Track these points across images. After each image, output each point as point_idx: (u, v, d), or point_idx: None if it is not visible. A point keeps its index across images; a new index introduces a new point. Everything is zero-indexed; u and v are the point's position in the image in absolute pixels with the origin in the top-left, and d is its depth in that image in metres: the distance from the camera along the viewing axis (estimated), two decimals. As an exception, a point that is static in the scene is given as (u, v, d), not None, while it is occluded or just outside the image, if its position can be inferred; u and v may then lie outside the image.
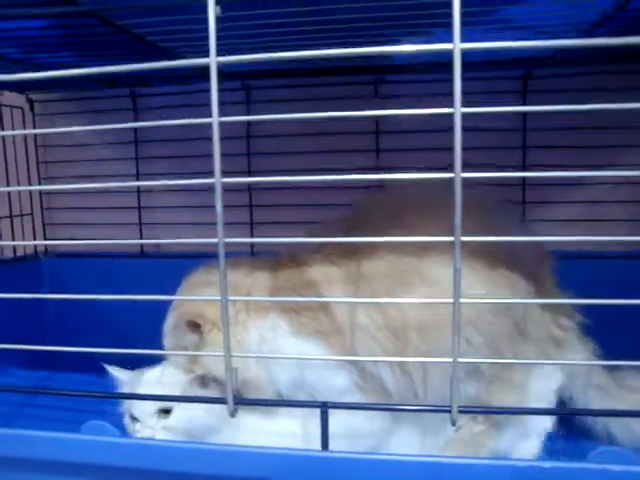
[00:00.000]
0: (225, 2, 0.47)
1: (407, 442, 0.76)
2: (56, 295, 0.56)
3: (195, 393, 0.74)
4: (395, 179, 0.47)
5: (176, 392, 0.73)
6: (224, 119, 0.47)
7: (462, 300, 0.47)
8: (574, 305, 0.77)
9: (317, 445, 0.73)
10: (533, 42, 0.46)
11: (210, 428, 0.73)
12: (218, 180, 0.47)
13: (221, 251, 0.48)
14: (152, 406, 0.71)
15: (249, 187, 1.27)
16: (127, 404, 0.75)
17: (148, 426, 0.71)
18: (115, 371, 0.75)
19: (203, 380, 0.75)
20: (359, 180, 0.48)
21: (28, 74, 0.50)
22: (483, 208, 0.70)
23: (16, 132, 1.17)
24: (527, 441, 0.76)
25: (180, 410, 0.72)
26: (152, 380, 0.76)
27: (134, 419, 0.73)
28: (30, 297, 0.59)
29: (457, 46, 0.45)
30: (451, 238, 0.46)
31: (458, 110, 0.45)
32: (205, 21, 0.47)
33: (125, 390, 0.75)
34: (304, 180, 0.49)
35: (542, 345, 0.74)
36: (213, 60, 0.47)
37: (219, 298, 0.50)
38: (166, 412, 0.72)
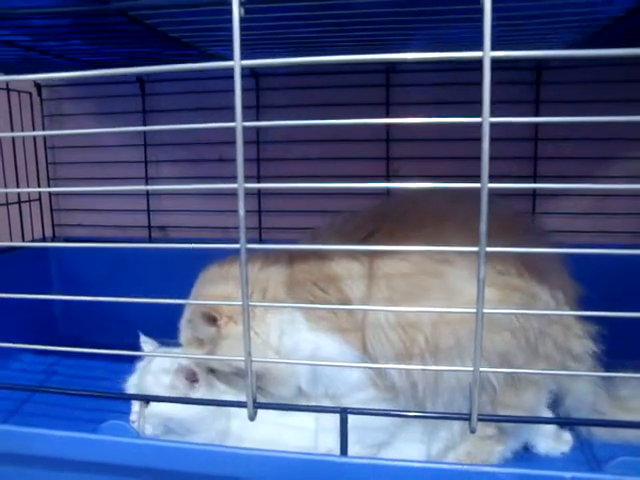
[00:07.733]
0: (248, 3, 0.46)
1: (412, 437, 0.77)
2: (64, 297, 0.56)
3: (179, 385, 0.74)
4: (419, 188, 0.46)
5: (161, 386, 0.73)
6: (248, 124, 0.46)
7: (485, 310, 0.46)
8: (590, 334, 0.76)
9: (328, 439, 0.74)
10: (563, 51, 0.45)
11: (199, 420, 0.72)
12: (241, 185, 0.46)
13: (243, 257, 0.48)
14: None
15: (259, 192, 1.27)
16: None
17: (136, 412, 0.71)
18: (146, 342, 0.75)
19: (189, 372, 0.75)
20: (380, 188, 0.48)
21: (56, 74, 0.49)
22: (512, 226, 0.70)
23: (26, 133, 1.16)
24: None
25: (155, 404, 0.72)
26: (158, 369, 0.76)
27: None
28: (39, 297, 0.59)
29: (487, 54, 0.43)
30: (475, 248, 0.46)
31: (487, 120, 0.44)
32: (228, 21, 0.46)
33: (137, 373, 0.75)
34: (326, 187, 0.49)
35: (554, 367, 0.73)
36: (237, 63, 0.46)
37: (240, 303, 0.50)
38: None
